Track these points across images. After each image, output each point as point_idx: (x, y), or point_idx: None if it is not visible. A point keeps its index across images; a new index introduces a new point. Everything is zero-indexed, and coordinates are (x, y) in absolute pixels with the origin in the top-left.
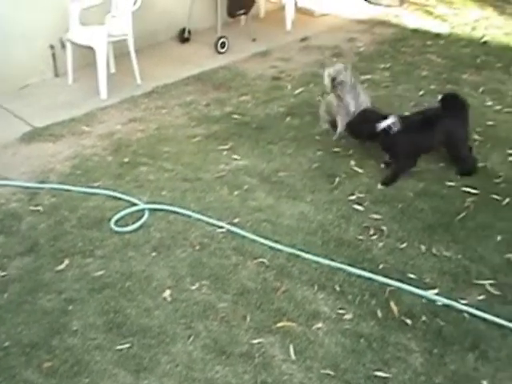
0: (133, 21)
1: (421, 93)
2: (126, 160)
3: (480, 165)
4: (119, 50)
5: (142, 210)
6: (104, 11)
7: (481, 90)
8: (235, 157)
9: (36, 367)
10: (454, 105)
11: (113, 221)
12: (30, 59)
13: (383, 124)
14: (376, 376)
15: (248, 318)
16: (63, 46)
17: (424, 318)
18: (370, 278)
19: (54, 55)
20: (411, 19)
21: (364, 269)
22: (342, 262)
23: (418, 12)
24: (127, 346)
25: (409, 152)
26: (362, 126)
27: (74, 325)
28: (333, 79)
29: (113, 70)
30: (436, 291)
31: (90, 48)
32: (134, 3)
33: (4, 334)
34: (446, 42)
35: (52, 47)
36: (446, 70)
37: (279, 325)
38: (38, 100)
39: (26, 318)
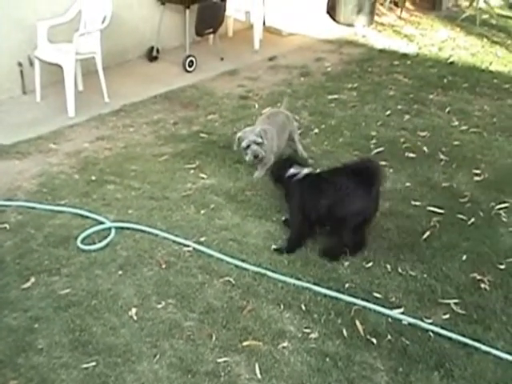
0: (101, 39)
1: (388, 113)
2: (93, 178)
3: (446, 185)
4: (87, 68)
5: (109, 229)
6: (72, 29)
7: (447, 110)
8: (202, 175)
9: None
10: (365, 172)
11: (79, 239)
12: None
13: (292, 170)
14: None
15: (214, 337)
16: (31, 63)
17: (389, 337)
18: (335, 297)
19: (21, 72)
20: (379, 39)
21: (330, 288)
22: (308, 281)
23: (385, 32)
24: (93, 364)
25: (298, 211)
26: (277, 172)
27: (39, 343)
28: (255, 156)
29: (81, 88)
30: (401, 310)
31: (58, 66)
32: (103, 21)
33: None
34: (413, 62)
35: (20, 64)
36: (413, 89)
37: (245, 344)
38: (5, 117)
39: None
